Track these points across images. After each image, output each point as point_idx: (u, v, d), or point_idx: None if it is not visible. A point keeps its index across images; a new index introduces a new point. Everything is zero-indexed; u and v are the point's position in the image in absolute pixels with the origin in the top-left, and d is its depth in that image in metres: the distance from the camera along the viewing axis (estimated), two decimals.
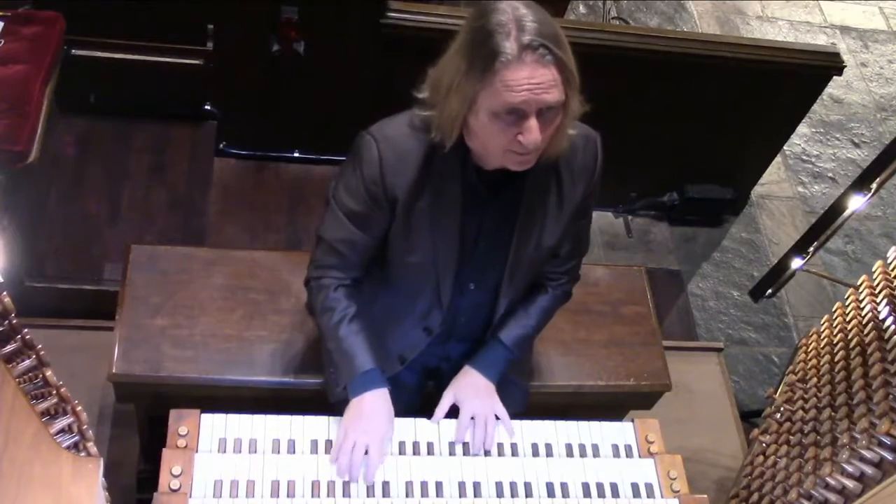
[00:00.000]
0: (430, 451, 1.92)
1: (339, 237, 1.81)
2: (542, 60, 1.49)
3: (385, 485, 1.84)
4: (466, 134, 1.64)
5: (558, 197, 1.79)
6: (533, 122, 1.53)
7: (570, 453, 1.98)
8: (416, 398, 2.11)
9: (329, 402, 2.01)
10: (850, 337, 2.20)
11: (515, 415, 2.02)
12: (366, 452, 1.83)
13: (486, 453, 1.94)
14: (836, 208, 2.90)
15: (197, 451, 1.82)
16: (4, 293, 1.26)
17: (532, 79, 1.49)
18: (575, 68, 1.54)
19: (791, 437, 2.14)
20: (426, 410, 2.00)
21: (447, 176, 1.71)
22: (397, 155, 1.70)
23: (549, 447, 1.98)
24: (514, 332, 1.97)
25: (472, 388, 1.96)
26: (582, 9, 4.79)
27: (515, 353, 1.99)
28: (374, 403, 1.86)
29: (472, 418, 1.94)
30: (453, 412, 1.98)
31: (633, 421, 2.06)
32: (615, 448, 2.01)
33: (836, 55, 3.43)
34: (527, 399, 2.17)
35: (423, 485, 1.85)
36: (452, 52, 1.58)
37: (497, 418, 1.97)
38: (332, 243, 1.83)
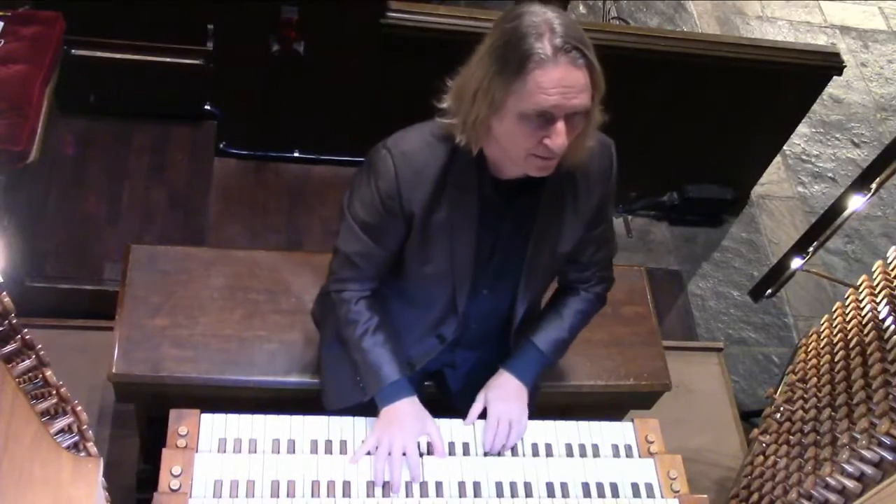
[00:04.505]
0: (429, 451, 1.93)
1: (355, 250, 1.82)
2: (574, 63, 1.50)
3: (385, 485, 1.84)
4: (487, 141, 1.63)
5: (574, 204, 1.79)
6: (561, 126, 1.53)
7: (570, 453, 1.98)
8: None
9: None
10: (850, 337, 2.20)
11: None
12: (403, 454, 1.85)
13: (486, 453, 1.94)
14: (836, 208, 2.90)
15: (197, 451, 1.82)
16: (4, 293, 1.26)
17: (564, 81, 1.49)
18: (602, 74, 1.54)
19: (791, 437, 2.14)
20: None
21: (464, 188, 1.71)
22: (413, 169, 1.69)
23: (549, 447, 1.98)
24: (548, 337, 1.97)
25: (502, 390, 1.97)
26: (582, 9, 4.79)
27: (550, 357, 1.99)
28: (403, 410, 1.88)
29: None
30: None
31: (633, 421, 2.06)
32: (615, 448, 2.01)
33: (836, 55, 3.43)
34: (536, 400, 2.17)
35: (423, 485, 1.85)
36: (479, 56, 1.57)
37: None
38: (349, 256, 1.83)
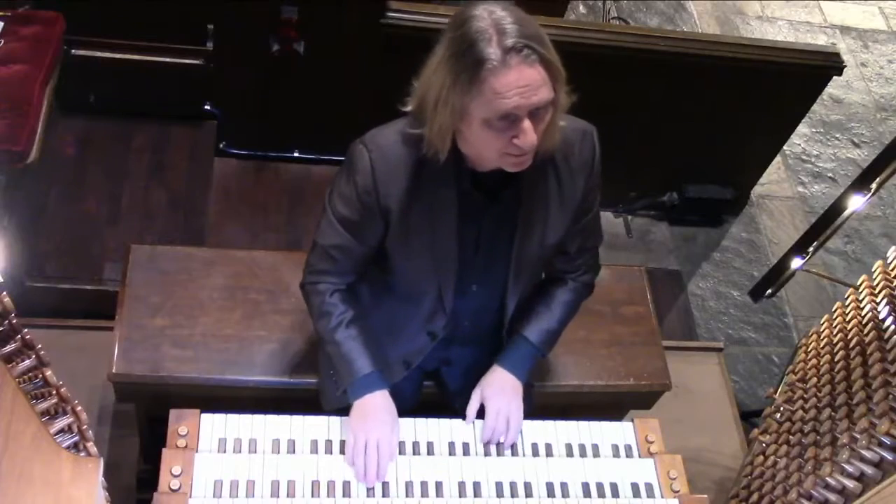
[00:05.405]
0: (430, 451, 1.93)
1: (333, 243, 1.82)
2: (527, 61, 1.48)
3: (385, 485, 1.84)
4: (459, 140, 1.64)
5: (559, 193, 1.78)
6: (527, 124, 1.53)
7: (570, 453, 1.98)
8: (414, 400, 2.11)
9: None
10: (849, 337, 2.20)
11: (525, 414, 2.02)
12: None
13: (486, 453, 1.94)
14: (836, 208, 2.90)
15: (197, 451, 1.82)
16: (4, 293, 1.26)
17: (520, 82, 1.48)
18: (559, 62, 1.53)
19: (791, 437, 2.14)
20: (424, 411, 2.00)
21: (441, 183, 1.71)
22: (389, 164, 1.69)
23: (549, 447, 1.98)
24: (538, 329, 1.97)
25: (498, 385, 1.97)
26: (582, 9, 4.79)
27: (542, 349, 2.00)
28: (375, 403, 1.87)
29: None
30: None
31: (633, 421, 2.06)
32: (615, 448, 2.01)
33: (836, 55, 3.43)
34: (532, 399, 2.17)
35: (423, 485, 1.85)
36: (435, 64, 1.56)
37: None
38: (327, 249, 1.83)
